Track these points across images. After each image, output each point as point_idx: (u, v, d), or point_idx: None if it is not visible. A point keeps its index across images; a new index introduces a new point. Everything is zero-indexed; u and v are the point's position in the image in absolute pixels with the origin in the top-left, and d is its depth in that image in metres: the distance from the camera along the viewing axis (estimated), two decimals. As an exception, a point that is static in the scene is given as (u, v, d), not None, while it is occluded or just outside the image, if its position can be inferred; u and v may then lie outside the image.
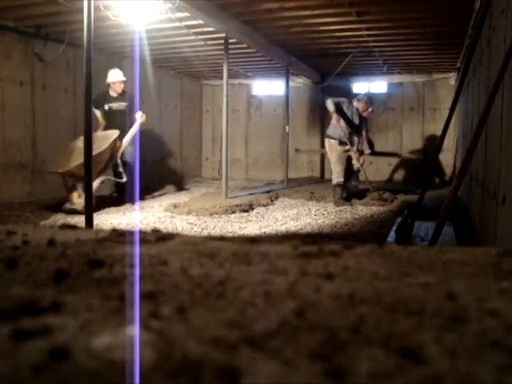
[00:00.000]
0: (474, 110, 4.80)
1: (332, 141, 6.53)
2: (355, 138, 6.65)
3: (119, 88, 6.21)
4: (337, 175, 6.47)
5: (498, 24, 3.22)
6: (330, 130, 6.62)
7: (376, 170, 9.63)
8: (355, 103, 6.62)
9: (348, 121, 6.52)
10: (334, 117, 6.40)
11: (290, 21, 6.06)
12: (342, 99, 6.60)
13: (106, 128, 6.19)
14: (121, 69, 6.28)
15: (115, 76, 6.21)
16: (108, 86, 6.23)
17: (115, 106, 6.21)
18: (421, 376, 0.40)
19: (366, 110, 6.66)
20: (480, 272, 0.74)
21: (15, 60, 6.26)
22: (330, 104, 6.37)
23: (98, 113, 6.20)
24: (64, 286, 0.64)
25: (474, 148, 2.83)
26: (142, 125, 6.22)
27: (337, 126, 6.44)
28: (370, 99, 6.77)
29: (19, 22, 6.10)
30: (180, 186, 8.48)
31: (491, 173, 3.26)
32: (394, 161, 9.76)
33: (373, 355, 0.43)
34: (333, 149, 6.54)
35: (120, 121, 6.08)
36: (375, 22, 6.00)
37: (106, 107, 6.22)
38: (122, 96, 6.22)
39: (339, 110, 6.45)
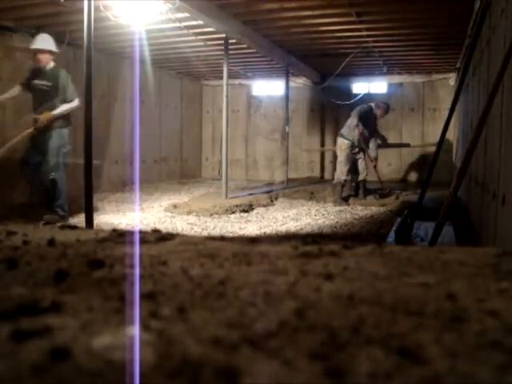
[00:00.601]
0: (474, 111, 4.80)
1: (345, 141, 6.65)
2: (371, 144, 6.83)
3: (45, 60, 4.86)
4: (340, 174, 6.55)
5: (497, 24, 3.22)
6: (344, 131, 6.76)
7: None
8: (374, 109, 6.79)
9: (368, 128, 6.70)
10: (357, 130, 6.54)
11: (290, 21, 6.05)
12: (366, 107, 6.79)
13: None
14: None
15: (42, 42, 4.84)
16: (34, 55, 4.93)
17: (39, 83, 4.88)
18: (421, 376, 0.40)
19: (383, 117, 6.96)
20: (480, 272, 0.74)
21: (16, 60, 6.26)
22: (355, 118, 6.55)
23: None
24: (64, 286, 0.64)
25: (473, 148, 2.83)
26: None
27: (353, 129, 6.58)
28: (389, 107, 7.03)
29: (19, 23, 6.10)
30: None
31: (491, 173, 3.26)
32: (394, 161, 9.76)
33: (373, 355, 0.43)
34: (343, 148, 6.65)
35: (40, 104, 4.86)
36: (375, 22, 6.00)
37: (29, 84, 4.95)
38: (48, 72, 4.89)
39: (365, 118, 6.62)
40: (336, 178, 6.65)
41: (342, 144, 6.66)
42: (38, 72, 4.91)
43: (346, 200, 6.56)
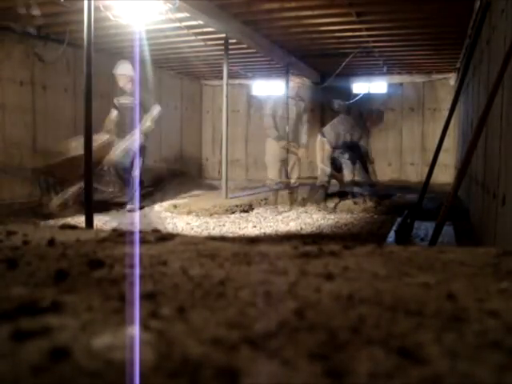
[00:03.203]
0: (474, 111, 4.80)
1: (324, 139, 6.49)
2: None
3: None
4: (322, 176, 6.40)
5: (497, 24, 3.22)
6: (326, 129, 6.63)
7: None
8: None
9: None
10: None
11: (290, 21, 6.05)
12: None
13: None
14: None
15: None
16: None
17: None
18: (421, 376, 0.40)
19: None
20: (480, 272, 0.74)
21: (15, 60, 6.26)
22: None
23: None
24: (64, 286, 0.64)
25: (473, 148, 2.83)
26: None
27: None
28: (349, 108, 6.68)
29: (19, 23, 6.10)
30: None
31: (491, 173, 3.26)
32: (394, 160, 9.77)
33: (373, 355, 0.43)
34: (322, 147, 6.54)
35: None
36: (375, 22, 6.00)
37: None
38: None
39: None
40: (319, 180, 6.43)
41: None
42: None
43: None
